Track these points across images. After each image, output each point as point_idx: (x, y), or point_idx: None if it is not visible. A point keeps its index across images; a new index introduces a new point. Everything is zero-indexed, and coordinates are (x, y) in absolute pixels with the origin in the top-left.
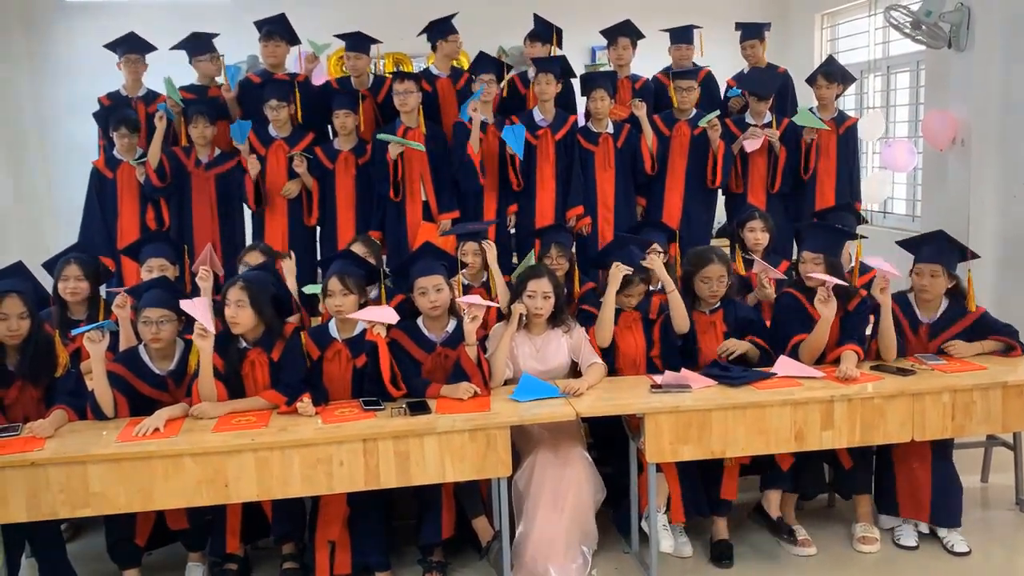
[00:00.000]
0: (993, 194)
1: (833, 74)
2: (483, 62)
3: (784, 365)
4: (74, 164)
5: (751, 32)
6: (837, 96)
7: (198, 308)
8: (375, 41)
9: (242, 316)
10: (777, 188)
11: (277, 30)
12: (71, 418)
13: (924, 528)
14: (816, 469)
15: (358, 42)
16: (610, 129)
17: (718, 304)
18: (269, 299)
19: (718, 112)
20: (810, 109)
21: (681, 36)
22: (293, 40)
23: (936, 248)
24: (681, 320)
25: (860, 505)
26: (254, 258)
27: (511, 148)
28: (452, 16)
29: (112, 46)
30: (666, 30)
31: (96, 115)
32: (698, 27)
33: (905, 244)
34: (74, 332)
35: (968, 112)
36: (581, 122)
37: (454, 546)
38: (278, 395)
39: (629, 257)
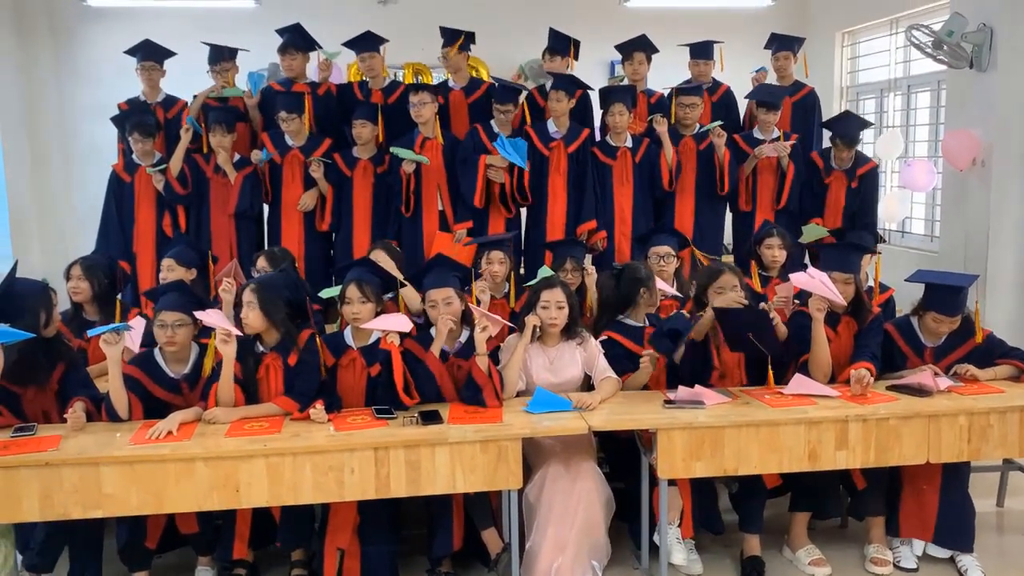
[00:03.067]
0: (1013, 216)
1: (853, 139)
2: (498, 91)
3: (799, 383)
4: (95, 168)
5: (784, 44)
6: None
7: (214, 317)
8: (383, 40)
9: (251, 316)
10: (783, 204)
11: (292, 41)
12: (89, 408)
13: (932, 550)
14: (832, 490)
15: (366, 43)
16: (629, 143)
17: None
18: (281, 303)
19: (720, 122)
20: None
21: (701, 51)
22: (311, 48)
23: (962, 299)
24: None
25: (873, 526)
26: (261, 263)
27: (515, 162)
28: (458, 32)
29: (130, 52)
30: (686, 45)
31: (114, 119)
32: (718, 42)
33: (926, 290)
34: (90, 333)
35: (989, 133)
36: (596, 136)
37: (463, 558)
38: (291, 401)
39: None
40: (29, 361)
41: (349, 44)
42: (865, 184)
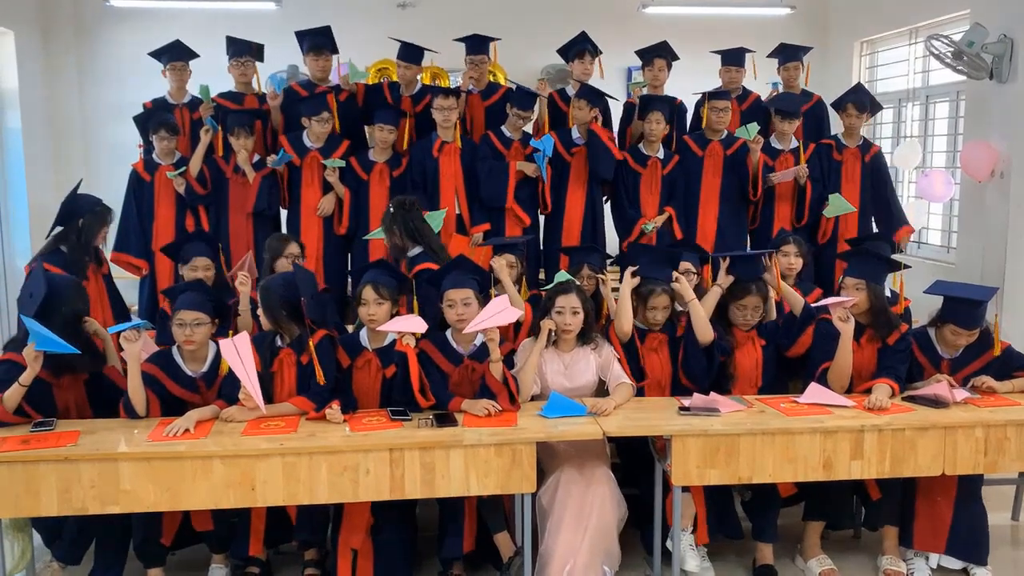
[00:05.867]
0: None
1: (863, 104)
2: (520, 97)
3: (814, 393)
4: (115, 166)
5: (791, 55)
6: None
7: (248, 375)
8: (429, 50)
9: (262, 317)
10: (805, 221)
11: (325, 44)
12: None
13: (947, 562)
14: (846, 500)
15: (410, 53)
16: (660, 154)
17: (752, 325)
18: (277, 305)
19: (759, 127)
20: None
21: (733, 58)
22: (335, 50)
23: (981, 313)
24: (703, 330)
25: (887, 537)
26: (296, 249)
27: (537, 165)
28: (486, 38)
29: (157, 54)
30: (717, 52)
31: (136, 118)
32: (751, 51)
33: (945, 303)
34: (110, 330)
35: (1009, 144)
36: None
37: (475, 561)
38: (307, 401)
39: (656, 271)
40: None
41: (397, 39)
42: (876, 164)
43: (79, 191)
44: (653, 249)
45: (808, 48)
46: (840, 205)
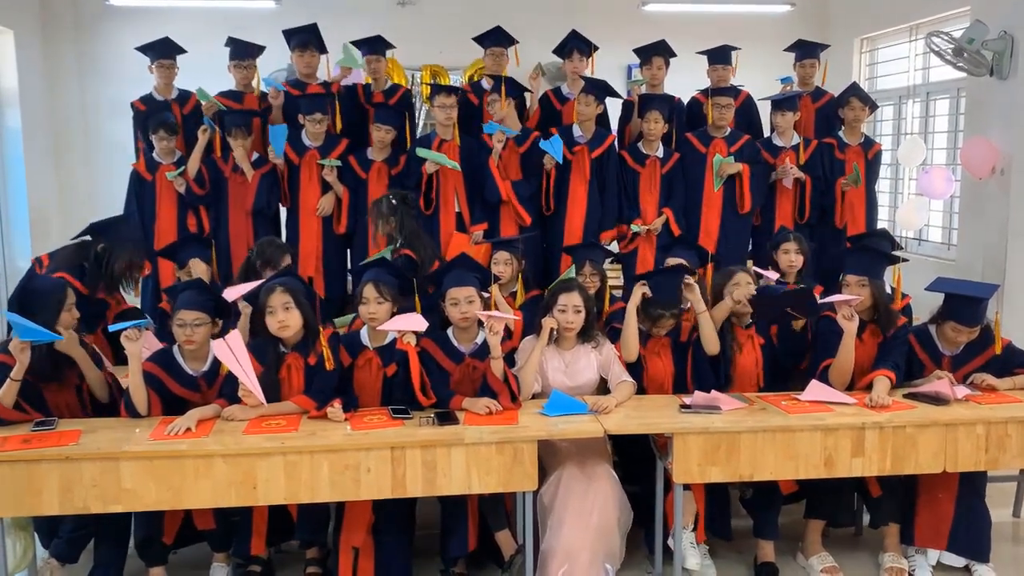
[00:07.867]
0: None
1: (865, 96)
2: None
3: (815, 390)
4: (116, 165)
5: (809, 52)
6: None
7: (244, 370)
8: (390, 46)
9: (292, 318)
10: (807, 218)
11: (312, 40)
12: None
13: (948, 559)
14: (847, 497)
15: (374, 45)
16: (660, 153)
17: (751, 320)
18: (305, 299)
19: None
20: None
21: (719, 57)
22: (323, 49)
23: (982, 310)
24: (711, 342)
25: (888, 535)
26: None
27: (552, 158)
28: (503, 35)
29: (144, 50)
30: (703, 52)
31: (135, 119)
32: (736, 48)
33: (946, 300)
34: (111, 328)
35: (1009, 141)
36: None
37: (476, 559)
38: (309, 400)
39: (665, 288)
40: (52, 359)
41: (357, 43)
42: (876, 161)
43: (124, 220)
44: (664, 271)
45: (825, 45)
46: (857, 177)
